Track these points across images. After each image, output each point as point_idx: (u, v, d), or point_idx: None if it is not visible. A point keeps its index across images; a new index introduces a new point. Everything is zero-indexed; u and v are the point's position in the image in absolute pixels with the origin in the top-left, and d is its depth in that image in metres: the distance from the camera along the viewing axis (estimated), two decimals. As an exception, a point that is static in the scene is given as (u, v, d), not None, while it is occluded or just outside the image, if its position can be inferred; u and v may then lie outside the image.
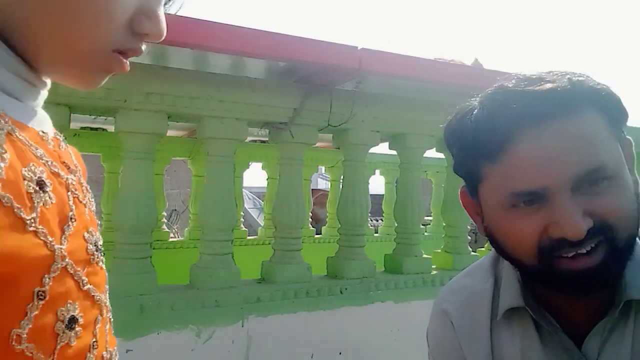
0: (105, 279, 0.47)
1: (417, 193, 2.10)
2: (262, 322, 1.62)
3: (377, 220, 6.75)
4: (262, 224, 4.19)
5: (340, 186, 2.32)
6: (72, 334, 0.39)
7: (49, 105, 0.46)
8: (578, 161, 0.56)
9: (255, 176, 13.26)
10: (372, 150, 2.07)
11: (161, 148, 2.96)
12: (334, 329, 1.75)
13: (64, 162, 0.44)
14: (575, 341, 0.66)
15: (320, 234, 4.06)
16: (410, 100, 1.99)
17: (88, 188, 0.48)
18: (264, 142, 3.46)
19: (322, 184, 11.06)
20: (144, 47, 0.46)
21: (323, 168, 4.45)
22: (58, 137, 0.47)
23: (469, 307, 0.75)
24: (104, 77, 0.46)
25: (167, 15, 0.46)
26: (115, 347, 0.49)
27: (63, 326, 0.38)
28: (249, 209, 7.51)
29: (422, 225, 2.31)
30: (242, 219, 3.89)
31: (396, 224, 2.14)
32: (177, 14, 0.50)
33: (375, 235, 4.23)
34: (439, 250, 2.26)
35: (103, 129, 3.03)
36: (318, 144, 3.25)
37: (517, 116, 0.57)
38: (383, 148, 2.39)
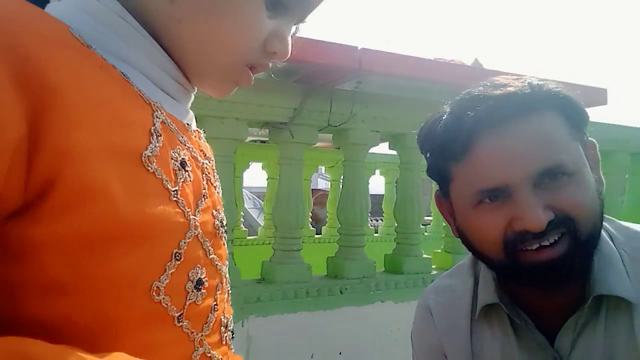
0: (226, 254, 0.53)
1: (417, 193, 2.10)
2: (262, 322, 1.62)
3: (377, 220, 6.75)
4: (262, 224, 4.19)
5: (340, 186, 2.32)
6: (199, 294, 0.45)
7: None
8: (537, 159, 0.59)
9: (255, 176, 13.26)
10: (372, 150, 2.07)
11: (161, 148, 2.95)
12: (334, 329, 1.75)
13: (202, 150, 0.52)
14: (549, 338, 0.67)
15: (320, 234, 4.07)
16: (410, 100, 1.99)
17: (217, 176, 0.56)
18: (264, 142, 3.46)
19: (322, 184, 11.05)
20: (270, 64, 0.53)
21: (323, 168, 4.45)
22: (199, 131, 0.56)
23: (450, 307, 0.77)
24: (233, 88, 0.53)
25: None
26: (232, 316, 0.54)
27: (192, 286, 0.44)
28: (249, 209, 7.51)
29: (422, 225, 2.31)
30: (242, 219, 3.89)
31: (396, 224, 2.13)
32: None
33: (375, 235, 4.23)
34: (439, 250, 2.26)
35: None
36: (318, 144, 3.25)
37: (480, 118, 0.61)
38: (383, 148, 2.39)
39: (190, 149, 0.48)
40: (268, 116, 1.74)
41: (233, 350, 0.53)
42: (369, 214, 2.10)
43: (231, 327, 0.53)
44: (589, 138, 0.66)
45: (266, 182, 3.80)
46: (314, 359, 1.70)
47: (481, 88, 0.65)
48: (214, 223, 0.49)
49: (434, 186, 4.55)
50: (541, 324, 0.68)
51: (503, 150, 0.60)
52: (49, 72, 0.34)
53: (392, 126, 1.99)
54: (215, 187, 0.53)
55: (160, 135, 0.43)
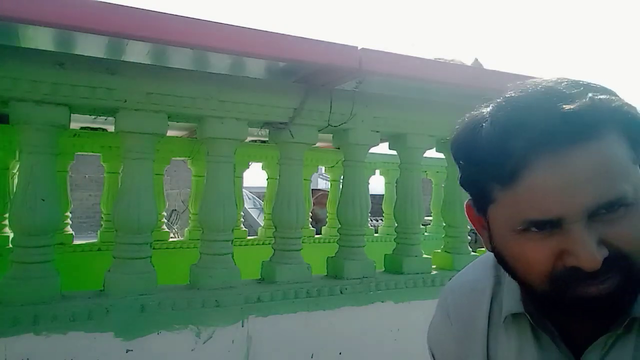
0: None
1: (417, 193, 2.10)
2: (262, 322, 1.62)
3: (377, 220, 6.74)
4: (262, 224, 4.19)
5: (340, 186, 2.32)
6: None
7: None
8: (596, 192, 0.53)
9: (255, 176, 13.22)
10: (372, 150, 2.07)
11: (161, 148, 2.95)
12: (334, 329, 1.75)
13: None
14: (573, 352, 0.64)
15: (320, 234, 4.06)
16: (410, 100, 1.99)
17: None
18: (264, 142, 3.46)
19: (322, 184, 11.05)
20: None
21: (323, 168, 4.44)
22: None
23: (468, 304, 0.75)
24: None
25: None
26: None
27: None
28: (249, 209, 7.51)
29: (422, 225, 2.31)
30: (242, 219, 3.89)
31: (396, 224, 2.13)
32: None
33: (375, 235, 4.22)
34: (439, 250, 2.26)
35: (103, 129, 3.03)
36: (318, 144, 3.24)
37: (532, 141, 0.54)
38: (383, 148, 2.38)
39: None
40: (268, 116, 1.74)
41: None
42: (369, 214, 2.10)
43: None
44: None
45: (266, 182, 3.80)
46: (314, 359, 1.70)
47: (527, 97, 0.56)
48: None
49: (434, 185, 4.47)
50: (565, 338, 0.65)
51: (559, 180, 0.53)
52: None
53: (392, 126, 1.99)
54: None
55: None
